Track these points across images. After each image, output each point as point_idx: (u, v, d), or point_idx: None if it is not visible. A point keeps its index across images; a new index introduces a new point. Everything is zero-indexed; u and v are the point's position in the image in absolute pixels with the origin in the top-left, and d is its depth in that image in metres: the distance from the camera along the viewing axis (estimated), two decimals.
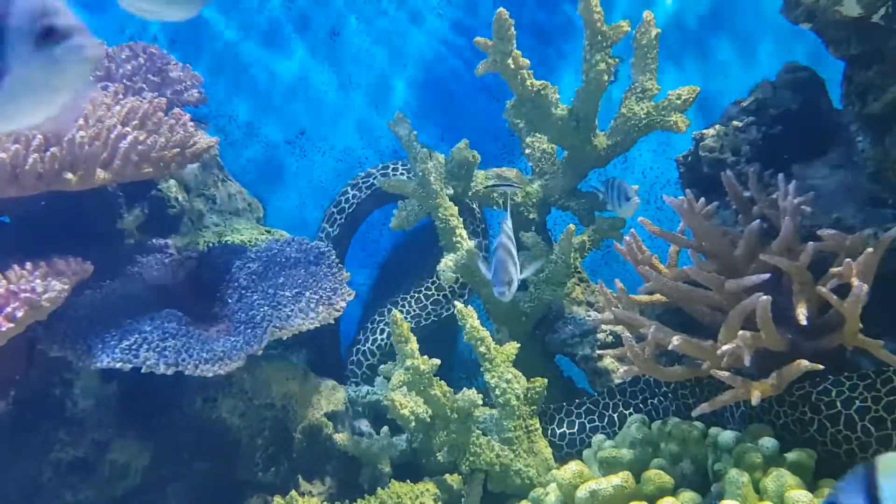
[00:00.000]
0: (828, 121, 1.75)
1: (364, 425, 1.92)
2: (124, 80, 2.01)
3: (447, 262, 1.93)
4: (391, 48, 2.58)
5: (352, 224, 2.37)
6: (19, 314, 1.40)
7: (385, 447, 1.78)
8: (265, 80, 2.61)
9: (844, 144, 1.68)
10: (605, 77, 1.92)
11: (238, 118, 2.61)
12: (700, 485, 1.43)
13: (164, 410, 1.71)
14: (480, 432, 1.71)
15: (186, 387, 1.71)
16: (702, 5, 2.51)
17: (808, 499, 1.26)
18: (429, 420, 1.70)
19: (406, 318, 2.00)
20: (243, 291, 1.75)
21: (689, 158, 1.88)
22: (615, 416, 1.72)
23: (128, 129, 1.60)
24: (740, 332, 1.35)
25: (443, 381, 1.68)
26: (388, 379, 1.89)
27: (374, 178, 2.31)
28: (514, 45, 1.87)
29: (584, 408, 1.77)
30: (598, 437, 1.66)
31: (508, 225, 1.52)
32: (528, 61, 1.90)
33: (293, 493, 1.65)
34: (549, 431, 1.77)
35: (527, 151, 2.18)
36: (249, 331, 1.64)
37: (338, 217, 2.36)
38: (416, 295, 2.22)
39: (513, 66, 1.88)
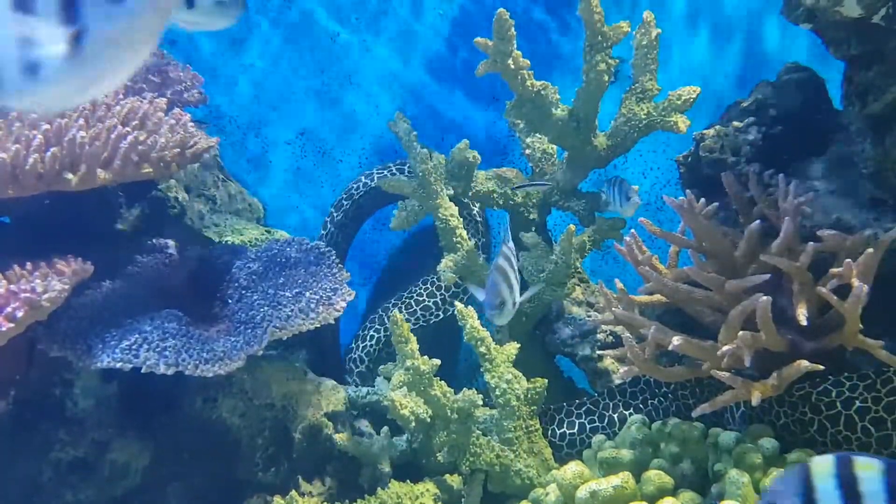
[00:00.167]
0: (828, 121, 1.75)
1: (364, 425, 1.92)
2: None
3: (447, 263, 1.93)
4: (392, 48, 2.58)
5: (358, 213, 2.37)
6: (19, 314, 1.40)
7: (385, 447, 1.78)
8: (265, 80, 2.61)
9: (844, 145, 1.68)
10: (606, 77, 1.92)
11: (238, 118, 2.61)
12: (700, 485, 1.43)
13: (164, 410, 1.71)
14: (480, 433, 1.71)
15: (186, 387, 1.71)
16: None
17: None
18: (429, 420, 1.70)
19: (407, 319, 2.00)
20: (243, 291, 1.76)
21: (690, 159, 1.88)
22: (615, 416, 1.72)
23: (128, 129, 1.60)
24: (740, 332, 1.35)
25: (443, 382, 1.68)
26: (389, 379, 1.89)
27: (389, 171, 2.32)
28: (515, 46, 1.87)
29: (584, 408, 1.77)
30: (599, 437, 1.66)
31: (509, 246, 1.43)
32: (528, 62, 1.91)
33: (293, 493, 1.65)
34: (550, 432, 1.77)
35: (527, 152, 2.18)
36: (249, 331, 1.64)
37: (345, 203, 2.37)
38: (409, 300, 2.22)
39: (513, 67, 1.89)
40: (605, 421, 1.73)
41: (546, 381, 1.76)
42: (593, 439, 1.68)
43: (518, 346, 1.77)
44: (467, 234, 2.02)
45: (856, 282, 1.33)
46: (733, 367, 1.40)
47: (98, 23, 0.66)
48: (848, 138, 1.65)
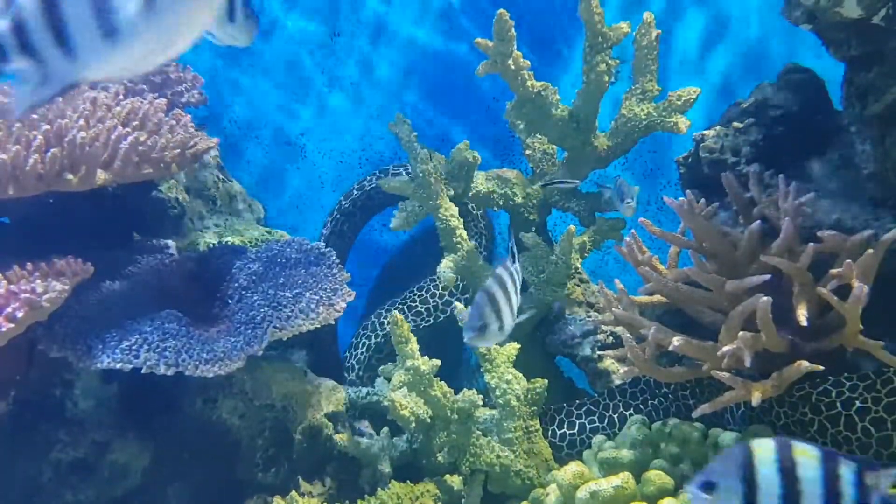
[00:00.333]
0: (828, 122, 1.75)
1: (364, 426, 1.92)
2: (125, 81, 2.01)
3: (447, 263, 1.93)
4: (392, 48, 2.58)
5: (368, 205, 2.37)
6: (19, 314, 1.40)
7: (385, 448, 1.78)
8: (266, 80, 2.61)
9: (845, 146, 1.68)
10: (606, 78, 1.92)
11: (238, 119, 2.61)
12: None
13: (164, 411, 1.71)
14: (481, 433, 1.71)
15: (187, 387, 1.71)
16: None
17: None
18: (429, 421, 1.70)
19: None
20: (243, 292, 1.75)
21: (690, 159, 1.88)
22: (615, 416, 1.72)
23: (128, 129, 1.60)
24: (741, 332, 1.35)
25: (443, 382, 1.68)
26: (389, 379, 1.89)
27: (404, 170, 2.32)
28: (515, 46, 1.87)
29: (584, 409, 1.77)
30: (599, 437, 1.66)
31: (509, 266, 1.29)
32: (529, 62, 1.91)
33: (293, 493, 1.65)
34: (550, 432, 1.77)
35: (527, 152, 2.17)
36: (250, 331, 1.64)
37: (356, 192, 2.38)
38: (402, 305, 2.21)
39: (513, 67, 1.89)
40: (606, 421, 1.73)
41: (546, 381, 1.76)
42: (593, 440, 1.68)
43: (518, 346, 1.77)
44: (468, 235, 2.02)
45: (856, 282, 1.33)
46: (733, 368, 1.40)
47: None
48: (848, 139, 1.65)
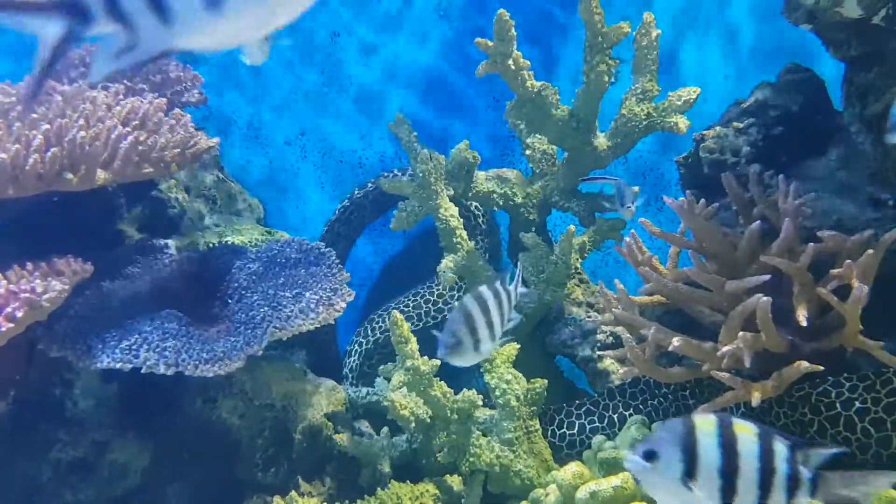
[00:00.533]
0: (828, 122, 1.75)
1: (364, 426, 1.92)
2: (125, 81, 2.01)
3: (447, 263, 1.93)
4: (392, 49, 2.58)
5: (379, 199, 2.38)
6: (19, 314, 1.40)
7: (385, 448, 1.78)
8: (265, 81, 2.61)
9: (845, 146, 1.68)
10: (606, 78, 1.92)
11: (238, 119, 2.61)
12: None
13: (164, 411, 1.71)
14: (480, 433, 1.71)
15: (186, 387, 1.71)
16: None
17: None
18: (429, 421, 1.70)
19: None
20: (243, 292, 1.76)
21: (690, 159, 1.88)
22: (615, 417, 1.72)
23: (128, 129, 1.60)
24: (740, 333, 1.35)
25: (443, 382, 1.68)
26: (388, 379, 1.89)
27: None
28: (515, 46, 1.87)
29: (584, 409, 1.77)
30: (598, 437, 1.66)
31: (498, 285, 1.21)
32: (529, 62, 1.91)
33: (293, 493, 1.65)
34: (549, 432, 1.77)
35: (527, 152, 2.17)
36: (249, 331, 1.64)
37: (370, 185, 2.38)
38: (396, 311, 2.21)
39: (513, 67, 1.89)
40: (605, 421, 1.73)
41: (546, 381, 1.76)
42: (593, 440, 1.68)
43: (518, 346, 1.77)
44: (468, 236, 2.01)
45: (856, 282, 1.33)
46: (733, 368, 1.40)
47: None
48: (848, 139, 1.65)
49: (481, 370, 1.75)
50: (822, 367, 1.34)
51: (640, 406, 1.71)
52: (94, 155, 1.52)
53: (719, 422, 0.89)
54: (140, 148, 1.59)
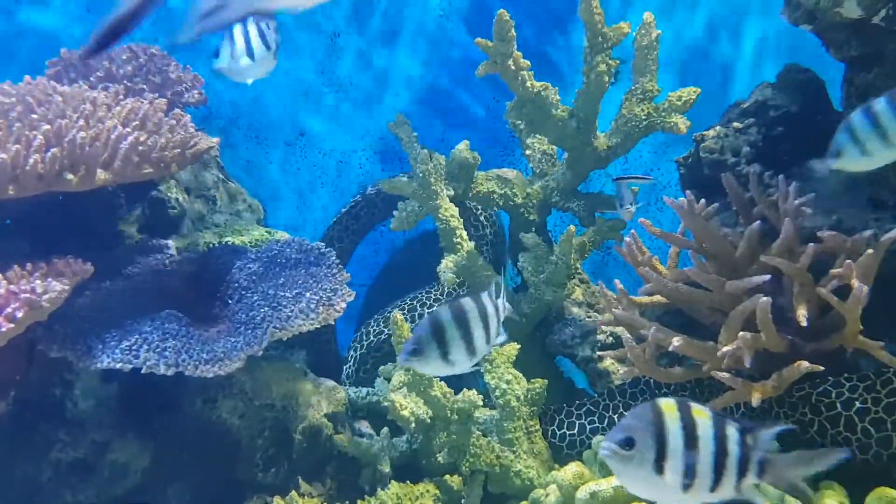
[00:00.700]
0: (828, 122, 1.75)
1: (364, 426, 1.92)
2: (125, 81, 2.01)
3: (447, 264, 1.93)
4: (392, 49, 2.58)
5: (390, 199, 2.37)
6: (19, 315, 1.40)
7: (385, 448, 1.78)
8: (266, 81, 2.61)
9: None
10: (606, 79, 1.92)
11: (238, 119, 2.61)
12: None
13: (164, 411, 1.71)
14: (480, 433, 1.71)
15: (186, 387, 1.71)
16: None
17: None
18: (429, 421, 1.70)
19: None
20: (243, 292, 1.76)
21: (690, 160, 1.88)
22: (615, 417, 1.72)
23: (128, 129, 1.60)
24: (741, 333, 1.35)
25: (443, 383, 1.68)
26: (388, 380, 1.89)
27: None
28: (515, 47, 1.87)
29: (584, 409, 1.77)
30: (598, 438, 1.66)
31: (483, 298, 1.15)
32: (529, 62, 1.91)
33: (293, 493, 1.65)
34: (549, 432, 1.77)
35: (527, 152, 2.17)
36: (249, 331, 1.64)
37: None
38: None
39: (513, 68, 1.89)
40: (606, 422, 1.73)
41: (546, 381, 1.76)
42: (593, 440, 1.68)
43: (518, 346, 1.77)
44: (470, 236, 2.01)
45: (856, 282, 1.33)
46: (733, 368, 1.40)
47: None
48: None
49: (481, 370, 1.75)
50: (822, 368, 1.34)
51: None
52: (94, 155, 1.52)
53: (679, 405, 0.92)
54: (140, 148, 1.58)
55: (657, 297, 1.62)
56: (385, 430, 1.81)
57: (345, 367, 2.20)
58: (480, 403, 1.69)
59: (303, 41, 2.58)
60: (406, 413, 1.68)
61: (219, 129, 2.56)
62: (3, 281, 1.45)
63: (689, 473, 0.90)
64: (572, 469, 1.52)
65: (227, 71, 1.57)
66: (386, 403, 1.70)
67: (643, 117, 1.94)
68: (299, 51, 2.59)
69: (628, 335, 1.50)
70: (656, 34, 1.91)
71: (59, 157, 1.48)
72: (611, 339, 1.90)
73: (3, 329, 1.38)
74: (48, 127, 1.50)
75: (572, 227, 1.88)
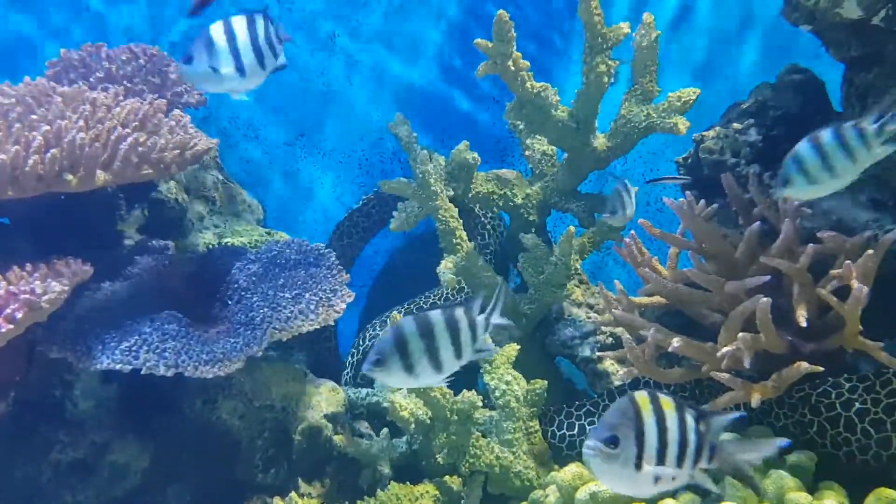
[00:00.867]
0: (828, 123, 1.75)
1: (364, 427, 1.92)
2: (125, 82, 2.02)
3: (447, 264, 1.93)
4: (392, 49, 2.58)
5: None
6: (19, 315, 1.40)
7: (385, 449, 1.78)
8: (266, 81, 2.61)
9: None
10: (605, 79, 1.91)
11: (238, 120, 2.61)
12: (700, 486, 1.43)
13: (163, 412, 1.71)
14: (480, 434, 1.71)
15: (186, 388, 1.71)
16: None
17: (807, 501, 1.26)
18: (428, 422, 1.70)
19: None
20: (243, 293, 1.76)
21: (689, 160, 1.88)
22: None
23: (128, 130, 1.60)
24: (740, 333, 1.35)
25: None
26: None
27: None
28: (515, 47, 1.87)
29: (583, 410, 1.77)
30: None
31: (462, 311, 1.09)
32: (528, 63, 1.90)
33: (293, 494, 1.65)
34: (549, 433, 1.77)
35: (527, 153, 2.17)
36: (249, 332, 1.64)
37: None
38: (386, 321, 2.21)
39: (513, 68, 1.88)
40: None
41: (546, 382, 1.76)
42: None
43: (518, 347, 1.77)
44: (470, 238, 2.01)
45: (856, 283, 1.33)
46: (733, 369, 1.40)
47: None
48: None
49: (481, 371, 1.75)
50: (821, 368, 1.34)
51: None
52: (93, 156, 1.52)
53: (650, 397, 0.95)
54: (140, 149, 1.58)
55: (657, 298, 1.61)
56: (385, 430, 1.81)
57: (343, 374, 2.20)
58: (480, 404, 1.69)
59: (302, 41, 2.58)
60: (405, 414, 1.68)
61: (218, 129, 2.56)
62: (2, 282, 1.45)
63: (660, 465, 0.94)
64: (572, 470, 1.52)
65: (201, 80, 1.24)
66: (385, 404, 1.70)
67: (643, 118, 1.94)
68: (299, 51, 2.59)
69: (628, 336, 1.50)
70: (656, 35, 1.91)
71: (59, 157, 1.48)
72: (610, 339, 1.90)
73: (3, 330, 1.38)
74: (48, 128, 1.50)
75: (572, 228, 1.88)
